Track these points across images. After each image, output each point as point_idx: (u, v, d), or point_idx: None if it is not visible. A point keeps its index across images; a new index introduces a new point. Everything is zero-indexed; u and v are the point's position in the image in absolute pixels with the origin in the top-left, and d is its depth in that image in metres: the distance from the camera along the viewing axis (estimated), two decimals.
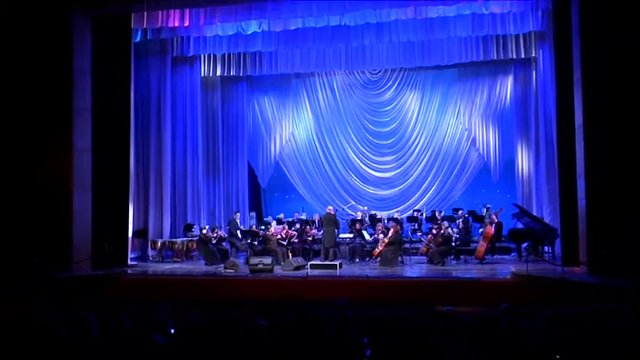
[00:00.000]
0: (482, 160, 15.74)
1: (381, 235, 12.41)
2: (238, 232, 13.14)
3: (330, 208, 12.73)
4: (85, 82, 11.49)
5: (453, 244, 12.34)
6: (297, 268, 11.18)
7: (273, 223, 14.07)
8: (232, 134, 16.18)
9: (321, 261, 11.99)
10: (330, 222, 12.35)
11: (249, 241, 12.37)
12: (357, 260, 12.59)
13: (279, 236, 12.86)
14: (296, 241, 13.18)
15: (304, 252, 12.94)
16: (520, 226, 12.05)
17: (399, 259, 11.98)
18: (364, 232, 12.91)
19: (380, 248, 11.84)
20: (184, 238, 13.70)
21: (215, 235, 12.86)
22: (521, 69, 14.55)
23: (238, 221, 12.54)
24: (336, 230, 12.68)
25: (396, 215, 14.77)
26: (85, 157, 11.49)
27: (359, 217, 14.68)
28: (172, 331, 5.01)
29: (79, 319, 4.41)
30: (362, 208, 15.69)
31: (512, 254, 12.78)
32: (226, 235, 13.26)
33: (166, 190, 14.08)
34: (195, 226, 13.96)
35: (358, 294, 9.16)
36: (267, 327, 5.00)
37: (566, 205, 10.51)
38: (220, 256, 12.66)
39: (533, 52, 13.55)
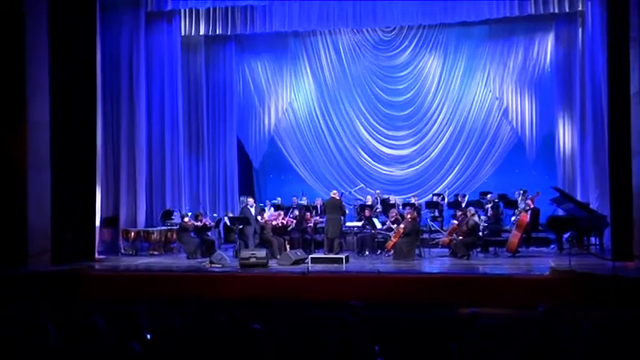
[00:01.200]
0: (516, 135, 15.66)
1: (395, 224, 12.41)
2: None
3: (335, 192, 12.72)
4: (40, 42, 11.34)
5: (481, 234, 12.34)
6: (296, 263, 11.19)
7: (270, 209, 14.08)
8: (219, 105, 16.10)
9: (324, 254, 12.00)
10: (335, 208, 12.33)
11: (240, 228, 12.38)
12: (367, 253, 12.61)
13: (274, 224, 12.87)
14: (294, 229, 13.18)
15: (304, 243, 12.96)
16: (561, 213, 12.00)
17: (417, 251, 12.00)
18: (375, 220, 12.91)
19: (394, 239, 11.86)
20: (162, 227, 13.71)
21: (198, 223, 12.85)
22: (564, 26, 14.35)
23: (253, 209, 12.45)
24: (341, 218, 12.68)
25: (412, 200, 14.78)
26: (41, 131, 11.39)
27: (369, 203, 14.67)
28: (148, 336, 5.03)
29: (33, 325, 4.38)
30: (372, 191, 15.69)
31: (552, 246, 12.78)
32: (212, 224, 13.26)
33: (141, 171, 14.03)
34: (175, 213, 13.96)
35: (368, 293, 9.17)
36: (261, 332, 5.01)
37: (618, 188, 10.44)
38: (205, 249, 12.65)
39: (580, 5, 13.32)
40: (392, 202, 14.65)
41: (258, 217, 12.24)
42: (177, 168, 14.80)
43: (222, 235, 13.60)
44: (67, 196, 11.87)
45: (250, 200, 12.64)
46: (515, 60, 15.50)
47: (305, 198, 15.20)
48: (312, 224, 13.34)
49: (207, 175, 15.82)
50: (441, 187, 16.10)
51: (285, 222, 13.29)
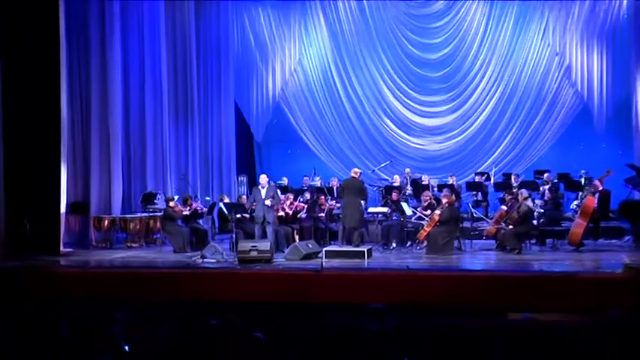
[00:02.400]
0: (581, 101, 15.56)
1: (429, 210, 12.38)
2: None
3: (357, 170, 12.62)
4: None
5: (535, 222, 12.26)
6: (308, 257, 11.19)
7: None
8: (212, 63, 16.12)
9: (341, 246, 11.98)
10: (355, 190, 12.26)
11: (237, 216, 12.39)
12: (394, 246, 12.61)
13: (280, 211, 12.88)
14: (305, 217, 13.19)
15: (317, 233, 12.96)
16: (637, 196, 11.88)
17: (455, 244, 11.97)
18: (404, 205, 12.86)
19: (427, 229, 11.81)
20: (143, 214, 13.78)
21: (187, 208, 12.87)
22: None
23: (264, 191, 12.24)
24: (363, 202, 12.63)
25: (450, 181, 14.76)
26: None
27: (396, 184, 14.65)
28: (126, 348, 5.04)
29: None
30: (401, 170, 15.66)
31: (626, 238, 12.66)
32: (204, 209, 13.29)
33: (116, 145, 14.06)
34: (158, 197, 14.01)
35: (395, 295, 9.14)
36: (264, 342, 5.01)
37: None
38: (196, 240, 12.68)
39: None
40: (425, 183, 14.62)
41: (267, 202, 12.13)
42: (161, 141, 14.82)
43: (216, 224, 13.62)
44: (25, 177, 11.90)
45: (263, 178, 12.43)
46: (582, 5, 15.27)
47: (318, 178, 15.19)
48: (327, 211, 13.30)
49: (198, 150, 15.87)
50: (485, 164, 16.07)
51: (293, 207, 13.28)
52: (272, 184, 12.75)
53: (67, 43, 13.10)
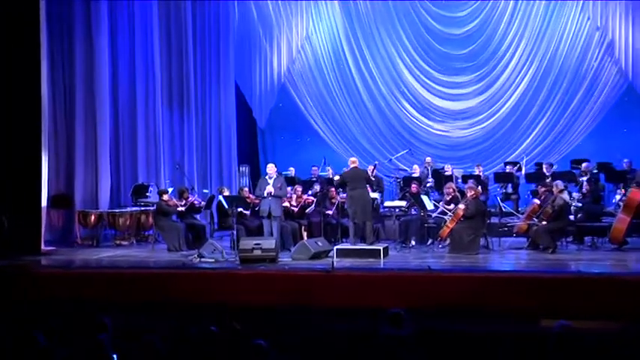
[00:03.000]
0: (625, 80, 15.48)
1: (452, 204, 12.35)
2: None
3: (354, 159, 12.56)
4: None
5: (572, 217, 12.20)
6: (317, 256, 11.20)
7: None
8: (210, 41, 16.12)
9: (353, 244, 11.96)
10: (360, 180, 12.20)
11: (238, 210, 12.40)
12: (413, 243, 12.63)
13: (286, 204, 12.88)
14: (314, 211, 13.22)
15: (327, 230, 12.95)
16: None
17: (482, 241, 11.95)
18: (425, 199, 12.84)
19: (450, 225, 11.78)
20: (134, 209, 13.82)
21: (183, 202, 12.89)
22: None
23: (272, 182, 12.15)
24: (369, 191, 12.59)
25: (476, 171, 14.74)
26: None
27: (416, 174, 14.62)
28: (115, 357, 5.05)
29: None
30: (421, 159, 15.61)
31: None
32: (202, 203, 13.31)
33: (103, 133, 14.08)
34: (151, 189, 14.03)
35: (415, 298, 9.13)
36: (267, 350, 5.02)
37: None
38: (192, 237, 12.71)
39: None
40: (448, 173, 14.59)
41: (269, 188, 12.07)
42: (154, 128, 14.84)
43: (215, 220, 13.63)
44: (0, 167, 11.91)
45: (271, 168, 12.35)
46: None
47: (330, 168, 15.14)
48: (337, 205, 13.26)
49: (194, 138, 15.88)
50: (516, 153, 16.02)
51: (301, 201, 13.27)
52: (280, 175, 12.74)
53: (48, 24, 13.08)
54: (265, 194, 11.92)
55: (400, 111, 16.65)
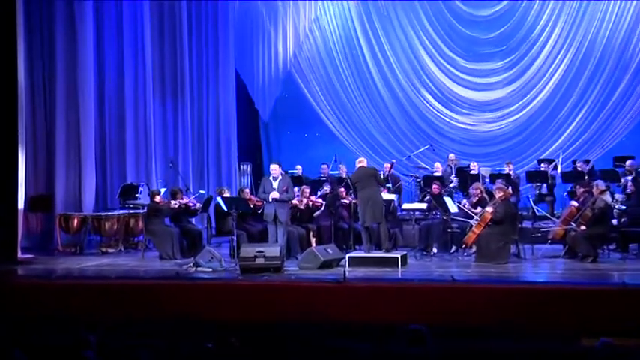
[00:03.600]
0: None
1: (479, 206, 12.33)
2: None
3: (361, 159, 12.56)
4: None
5: (615, 222, 12.13)
6: (327, 265, 11.17)
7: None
8: (207, 25, 16.16)
9: (368, 252, 11.94)
10: (369, 179, 12.17)
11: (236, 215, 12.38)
12: (435, 251, 12.62)
13: (294, 201, 12.86)
14: (323, 215, 13.20)
15: (339, 235, 12.95)
16: None
17: (512, 249, 11.92)
18: (448, 201, 12.80)
19: (477, 230, 11.75)
20: (121, 212, 13.82)
21: (176, 204, 12.89)
22: None
23: (277, 184, 12.02)
24: (387, 195, 12.56)
25: (506, 170, 14.69)
26: None
27: (438, 173, 14.58)
28: None
29: None
30: (446, 157, 15.56)
31: None
32: (198, 205, 13.30)
33: (88, 128, 14.10)
34: (141, 190, 14.04)
35: (437, 313, 9.10)
36: None
37: None
38: (187, 244, 12.73)
39: None
40: (474, 172, 14.57)
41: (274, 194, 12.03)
42: (144, 122, 14.86)
43: (212, 224, 13.62)
44: None
45: (275, 169, 12.15)
46: None
47: (343, 166, 15.09)
48: (350, 207, 13.23)
49: (190, 133, 15.90)
50: (551, 149, 16.02)
51: (309, 203, 13.25)
52: (286, 175, 12.70)
53: (26, 11, 13.06)
54: (270, 200, 11.90)
55: (420, 102, 16.61)
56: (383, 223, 11.96)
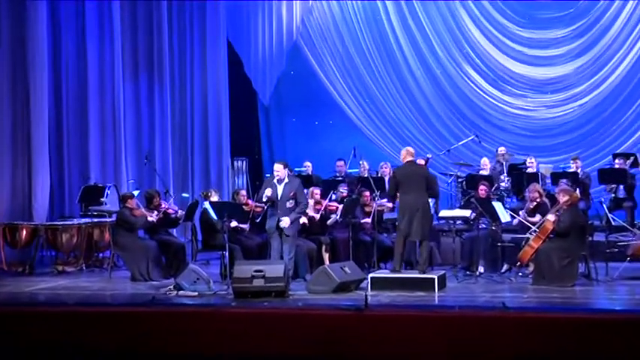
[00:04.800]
0: None
1: (537, 214, 12.31)
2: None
3: (410, 150, 12.38)
4: None
5: None
6: (344, 288, 11.19)
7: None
8: None
9: (396, 271, 11.92)
10: (418, 181, 12.12)
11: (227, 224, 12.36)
12: (482, 271, 12.65)
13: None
14: (340, 224, 13.21)
15: (359, 250, 12.97)
16: None
17: (580, 267, 11.91)
18: (498, 206, 12.76)
19: (534, 243, 11.70)
20: (83, 221, 13.84)
21: (155, 213, 12.92)
22: None
23: (282, 188, 11.86)
24: (431, 201, 12.51)
25: (573, 167, 14.69)
26: None
27: (485, 171, 14.52)
28: None
29: None
30: (495, 151, 15.50)
31: None
32: (180, 212, 13.29)
33: (39, 117, 14.13)
34: (107, 193, 14.11)
35: (484, 349, 9.08)
36: None
37: None
38: (167, 261, 12.82)
39: None
40: (531, 170, 14.56)
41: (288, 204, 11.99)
42: (112, 108, 14.94)
43: (198, 236, 13.62)
44: None
45: (279, 170, 11.93)
46: None
47: (364, 162, 15.08)
48: (374, 214, 13.22)
49: (169, 121, 15.99)
50: (630, 141, 16.06)
51: (321, 209, 13.27)
52: (295, 178, 12.66)
53: None
54: (264, 199, 11.84)
55: (463, 81, 16.59)
56: (427, 241, 11.92)
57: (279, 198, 11.89)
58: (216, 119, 16.28)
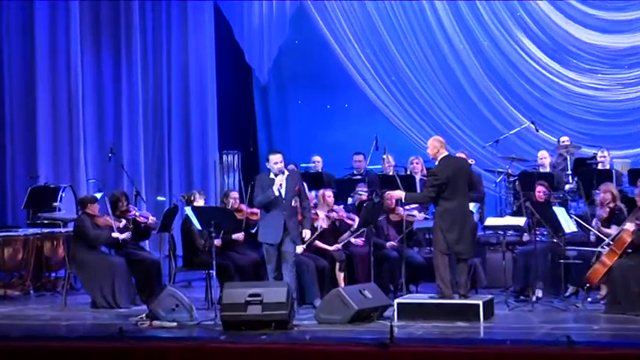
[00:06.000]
0: None
1: (613, 223, 12.32)
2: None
3: (442, 140, 12.32)
4: None
5: None
6: (363, 317, 11.22)
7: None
8: None
9: (429, 297, 11.94)
10: (462, 182, 12.12)
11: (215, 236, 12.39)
12: (539, 295, 12.68)
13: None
14: (357, 235, 13.24)
15: (383, 269, 13.02)
16: None
17: None
18: (560, 213, 12.75)
19: (608, 260, 11.69)
20: (30, 231, 13.91)
21: (122, 220, 12.95)
22: None
23: (278, 183, 11.92)
24: (476, 208, 12.53)
25: None
26: None
27: (545, 167, 14.54)
28: None
29: None
30: (556, 142, 15.50)
31: None
32: (152, 221, 13.33)
33: None
34: (62, 195, 14.20)
35: None
36: None
37: None
38: (138, 283, 12.90)
39: None
40: (601, 164, 14.58)
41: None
42: (67, 89, 15.16)
43: (178, 251, 13.65)
44: None
45: (277, 159, 11.91)
46: None
47: (389, 157, 15.05)
48: (403, 224, 13.24)
49: (141, 104, 16.19)
50: None
51: (334, 217, 13.33)
52: (296, 171, 12.67)
53: None
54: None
55: (514, 53, 16.59)
56: (469, 257, 11.96)
57: (283, 196, 11.86)
58: (200, 102, 16.33)
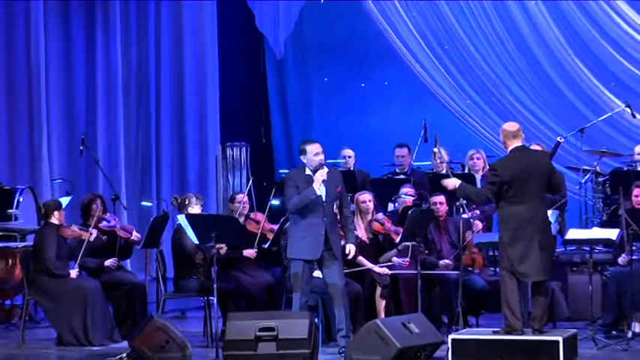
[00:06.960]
0: None
1: None
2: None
3: (517, 127, 12.22)
4: None
5: None
6: (409, 356, 11.18)
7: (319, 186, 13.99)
8: None
9: (495, 332, 11.86)
10: (539, 181, 12.03)
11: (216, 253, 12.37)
12: (637, 330, 12.71)
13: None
14: (401, 253, 13.27)
15: (434, 297, 13.02)
16: None
17: None
18: None
19: None
20: None
21: (95, 232, 12.90)
22: None
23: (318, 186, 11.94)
24: (551, 214, 12.48)
25: None
26: None
27: None
28: None
29: None
30: None
31: None
32: (133, 236, 13.30)
33: None
34: (19, 200, 14.27)
35: None
36: None
37: None
38: (116, 313, 12.96)
39: None
40: None
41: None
42: (27, 64, 15.32)
43: (168, 271, 13.62)
44: None
45: (319, 150, 11.94)
46: None
47: (441, 150, 15.00)
48: (461, 238, 13.21)
49: (120, 84, 16.33)
50: None
51: (377, 229, 13.40)
52: (335, 169, 12.84)
53: None
54: (314, 194, 11.69)
55: (604, 15, 16.51)
56: (546, 280, 11.85)
57: (324, 199, 11.80)
58: (198, 82, 16.34)
